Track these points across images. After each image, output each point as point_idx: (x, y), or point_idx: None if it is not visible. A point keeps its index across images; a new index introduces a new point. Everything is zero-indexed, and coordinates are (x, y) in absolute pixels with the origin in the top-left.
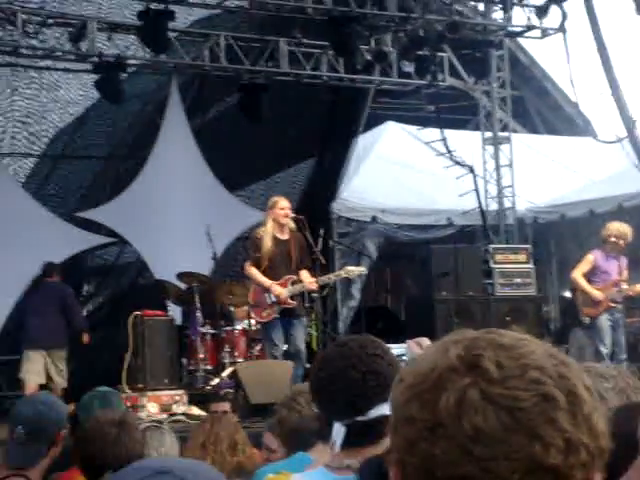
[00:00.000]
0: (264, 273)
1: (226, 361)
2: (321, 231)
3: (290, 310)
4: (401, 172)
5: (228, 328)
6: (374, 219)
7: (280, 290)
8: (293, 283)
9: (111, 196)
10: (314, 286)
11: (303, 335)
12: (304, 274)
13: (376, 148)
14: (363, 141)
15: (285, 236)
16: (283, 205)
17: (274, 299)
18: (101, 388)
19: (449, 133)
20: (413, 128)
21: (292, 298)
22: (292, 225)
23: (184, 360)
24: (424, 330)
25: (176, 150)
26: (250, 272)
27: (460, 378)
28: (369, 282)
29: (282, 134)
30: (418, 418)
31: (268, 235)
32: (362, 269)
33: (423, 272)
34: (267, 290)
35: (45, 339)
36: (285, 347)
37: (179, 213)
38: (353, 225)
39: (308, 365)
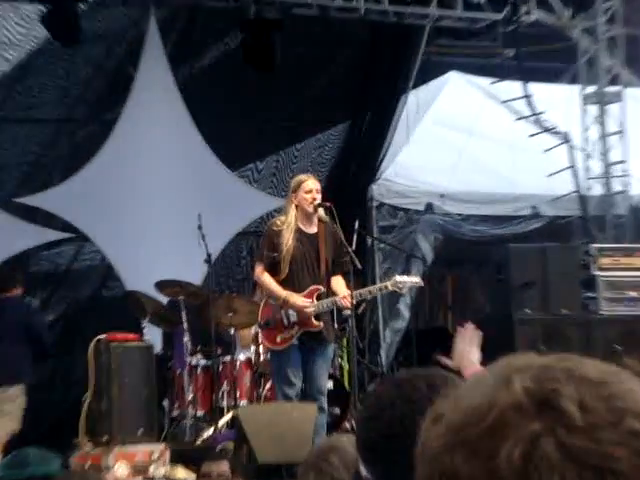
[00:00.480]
0: (282, 282)
1: (224, 404)
2: (356, 224)
3: (313, 334)
4: (468, 142)
5: (227, 358)
6: (430, 207)
7: (302, 302)
8: (319, 296)
9: (65, 175)
10: (347, 302)
11: (328, 369)
12: (338, 283)
13: (433, 109)
14: (415, 99)
15: (313, 229)
16: (311, 186)
17: (293, 318)
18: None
19: (535, 88)
20: (485, 81)
21: (317, 318)
22: (323, 214)
23: (166, 403)
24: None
25: (155, 112)
26: (262, 279)
27: (528, 422)
28: (422, 295)
29: (302, 90)
30: (464, 474)
31: (290, 228)
32: (416, 280)
33: (498, 281)
34: (284, 305)
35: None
36: (302, 385)
37: (159, 199)
38: (400, 216)
39: (336, 410)
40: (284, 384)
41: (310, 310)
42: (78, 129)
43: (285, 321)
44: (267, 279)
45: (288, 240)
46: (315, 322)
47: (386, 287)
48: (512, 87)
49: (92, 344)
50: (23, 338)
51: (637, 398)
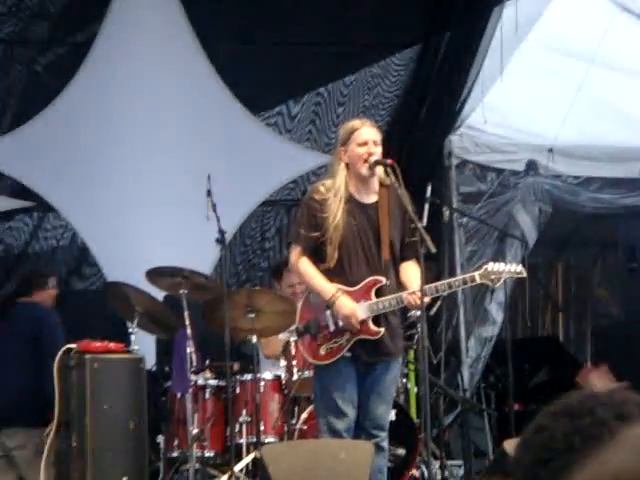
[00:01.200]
0: (329, 272)
1: (243, 441)
2: (428, 191)
3: (371, 345)
4: (588, 75)
5: (247, 377)
6: (533, 167)
7: (352, 309)
8: (380, 291)
9: (19, 119)
10: (416, 300)
11: (391, 394)
12: (410, 272)
13: (538, 27)
14: (513, 13)
15: (371, 197)
16: (366, 137)
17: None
18: None
19: None
20: None
21: (377, 321)
22: (384, 176)
23: (161, 439)
24: (634, 389)
25: (147, 31)
26: (300, 268)
27: None
28: (522, 291)
29: (352, 1)
30: None
31: (338, 196)
32: (516, 269)
33: (630, 272)
34: (330, 305)
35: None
36: (354, 415)
37: (151, 154)
38: (491, 178)
39: (401, 451)
40: (330, 414)
41: (361, 318)
42: (37, 55)
43: (332, 326)
44: (308, 268)
45: (336, 213)
46: (374, 327)
47: (473, 279)
48: None
49: (58, 356)
50: (31, 365)
51: None
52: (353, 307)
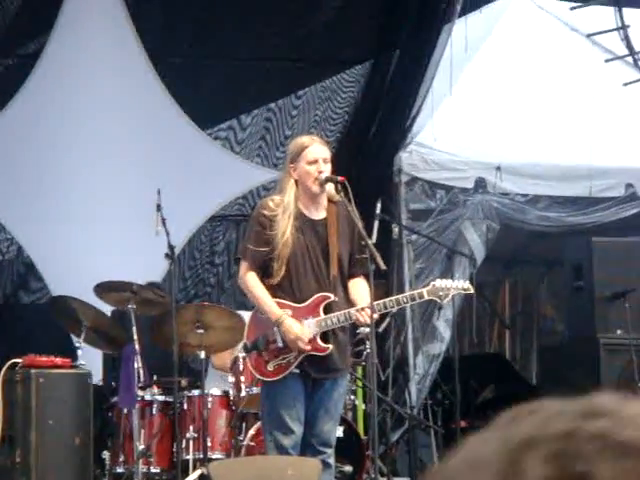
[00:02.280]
0: (277, 288)
1: (189, 457)
2: (377, 207)
3: (319, 361)
4: (536, 93)
5: (194, 393)
6: (481, 185)
7: (297, 333)
8: (328, 308)
9: None
10: (365, 316)
11: (338, 410)
12: (359, 289)
13: (488, 46)
14: (463, 31)
15: (320, 213)
16: (316, 154)
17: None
18: None
19: (633, 15)
20: (563, 5)
21: (326, 338)
22: (334, 192)
23: (106, 455)
24: None
25: (95, 43)
26: (247, 284)
27: None
28: (469, 308)
29: (305, 15)
30: None
31: (288, 212)
32: (463, 285)
33: (576, 290)
34: (277, 324)
35: None
36: (301, 432)
37: (100, 167)
38: (440, 196)
39: (348, 468)
40: (277, 430)
41: (307, 338)
42: None
43: (280, 342)
44: (255, 285)
45: (285, 230)
46: (322, 344)
47: (421, 295)
48: (601, 14)
49: (2, 371)
50: None
51: None
52: (298, 330)
